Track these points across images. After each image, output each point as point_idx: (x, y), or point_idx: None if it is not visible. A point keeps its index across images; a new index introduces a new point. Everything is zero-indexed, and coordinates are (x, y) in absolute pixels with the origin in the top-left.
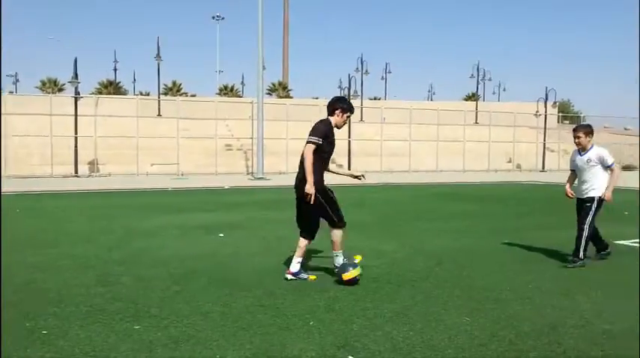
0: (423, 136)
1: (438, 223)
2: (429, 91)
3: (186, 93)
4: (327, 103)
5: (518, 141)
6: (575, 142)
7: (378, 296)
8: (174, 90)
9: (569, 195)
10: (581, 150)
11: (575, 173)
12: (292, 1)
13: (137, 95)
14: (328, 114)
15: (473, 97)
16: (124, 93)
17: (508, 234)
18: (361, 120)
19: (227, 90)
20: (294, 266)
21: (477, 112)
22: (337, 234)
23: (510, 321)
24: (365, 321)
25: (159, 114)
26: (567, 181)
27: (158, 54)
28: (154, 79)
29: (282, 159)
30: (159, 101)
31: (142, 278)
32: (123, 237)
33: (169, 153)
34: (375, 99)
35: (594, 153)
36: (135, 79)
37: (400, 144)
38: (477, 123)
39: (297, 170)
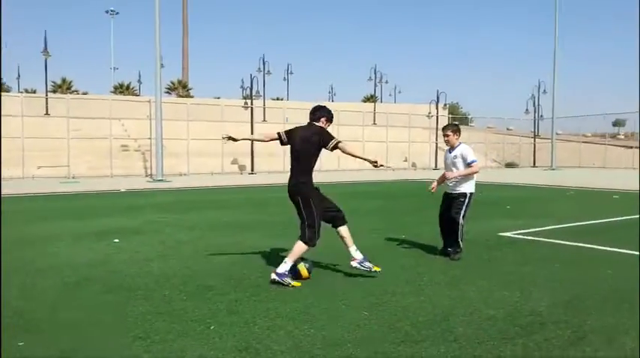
0: None
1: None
2: (329, 92)
3: (77, 91)
4: (310, 109)
5: (413, 141)
6: (444, 140)
7: (280, 296)
8: (63, 87)
9: (432, 189)
10: (450, 147)
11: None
12: None
13: (22, 93)
14: (313, 121)
15: (371, 99)
16: (7, 90)
17: (404, 230)
18: (264, 120)
19: (122, 89)
20: (356, 253)
21: (374, 113)
22: (300, 246)
23: (406, 313)
24: (267, 322)
25: (47, 113)
26: (439, 177)
27: (45, 48)
28: (41, 76)
29: (183, 161)
30: (46, 99)
31: (28, 289)
32: (7, 246)
33: (59, 155)
34: (277, 99)
35: (460, 150)
36: (19, 75)
37: None
38: (375, 123)
39: (291, 175)
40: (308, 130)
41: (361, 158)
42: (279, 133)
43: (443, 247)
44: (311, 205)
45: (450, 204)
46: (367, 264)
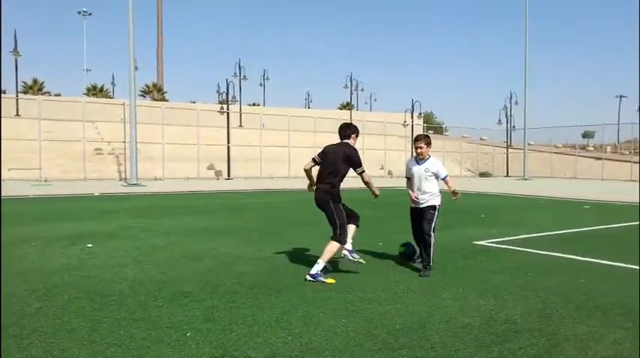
0: (301, 143)
1: (316, 227)
2: (305, 99)
3: (49, 93)
4: (339, 128)
5: (389, 148)
6: (417, 152)
7: (257, 303)
8: (35, 88)
9: (415, 198)
10: (420, 159)
11: (410, 181)
12: (166, 1)
13: None
14: (343, 138)
15: (347, 106)
16: None
17: (380, 237)
18: (240, 125)
19: (96, 91)
20: (349, 245)
21: (351, 121)
22: (332, 246)
23: (383, 320)
24: (244, 329)
25: (17, 114)
26: (410, 188)
27: (15, 48)
28: (11, 76)
29: (158, 165)
30: (17, 100)
31: None
32: None
33: (30, 157)
34: (254, 104)
35: (431, 163)
36: None
37: (279, 150)
38: None
39: (320, 182)
40: (341, 147)
41: (370, 188)
42: (314, 159)
43: (419, 254)
44: (332, 207)
45: (422, 216)
46: (355, 255)
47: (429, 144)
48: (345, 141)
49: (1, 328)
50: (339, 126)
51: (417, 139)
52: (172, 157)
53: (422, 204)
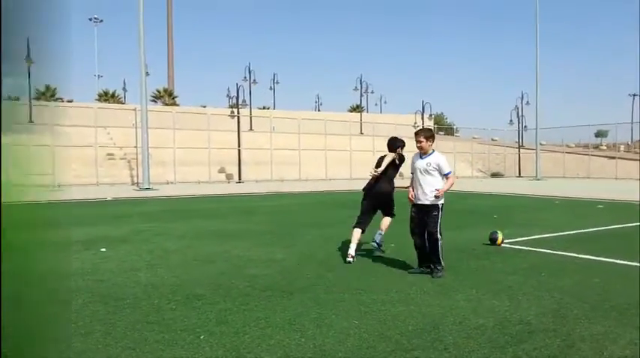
0: (312, 146)
1: (328, 230)
2: (315, 102)
3: (61, 99)
4: (388, 143)
5: None
6: (417, 146)
7: (270, 305)
8: (47, 94)
9: (411, 197)
10: (422, 153)
11: (414, 177)
12: (176, 7)
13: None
14: (391, 151)
15: (357, 109)
16: None
17: (392, 239)
18: (251, 129)
19: (107, 96)
20: (353, 250)
21: (361, 123)
22: (389, 220)
23: (396, 322)
24: (257, 331)
25: (30, 121)
26: (411, 185)
27: (28, 55)
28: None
29: (170, 169)
30: (30, 106)
31: (10, 300)
32: None
33: (43, 163)
34: (264, 108)
35: (434, 158)
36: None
37: (290, 153)
38: (361, 133)
39: (379, 182)
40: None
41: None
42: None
43: (419, 265)
44: (393, 200)
45: (425, 220)
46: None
47: (428, 138)
48: (392, 153)
49: (0, 328)
50: (387, 140)
51: (415, 134)
52: (184, 161)
53: (424, 201)
